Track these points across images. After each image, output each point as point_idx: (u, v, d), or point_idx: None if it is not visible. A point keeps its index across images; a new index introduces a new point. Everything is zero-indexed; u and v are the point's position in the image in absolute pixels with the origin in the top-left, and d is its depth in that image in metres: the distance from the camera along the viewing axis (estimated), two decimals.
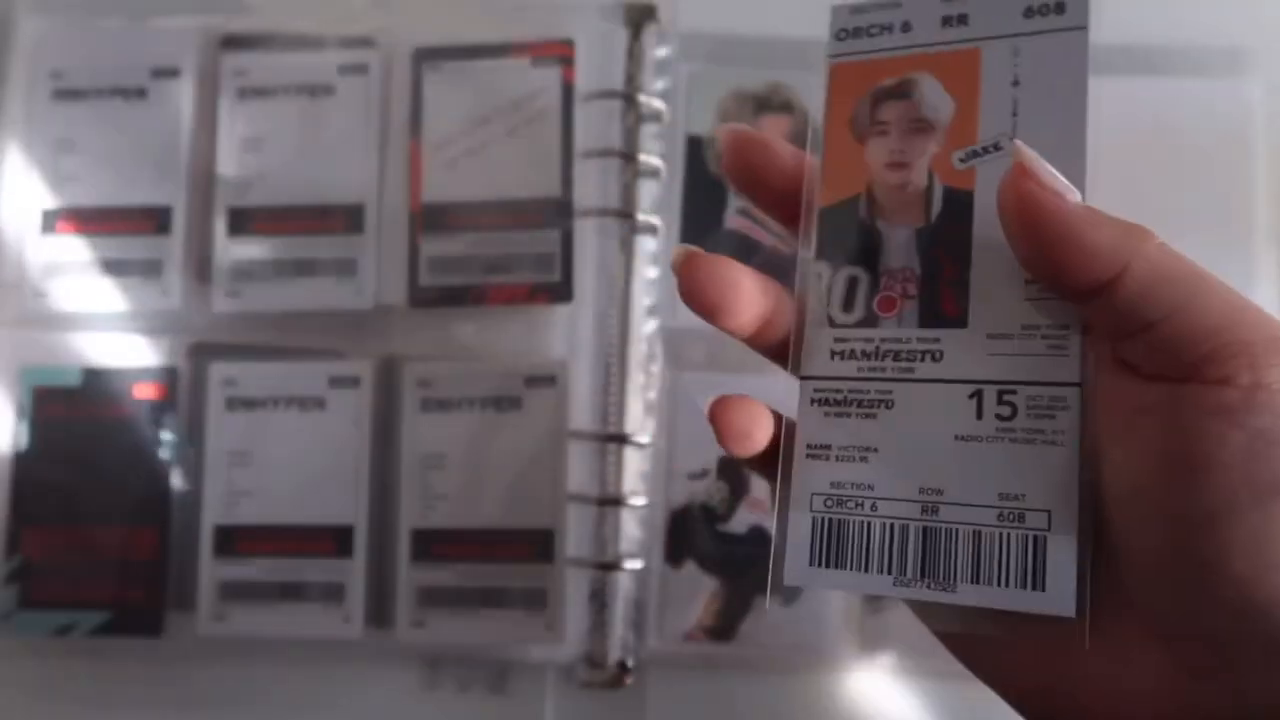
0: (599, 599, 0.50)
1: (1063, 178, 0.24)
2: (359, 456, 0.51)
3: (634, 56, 0.54)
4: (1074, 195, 0.24)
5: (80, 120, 0.54)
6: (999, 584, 0.25)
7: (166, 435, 0.52)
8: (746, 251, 0.53)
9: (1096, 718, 0.25)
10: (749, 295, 0.29)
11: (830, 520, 0.27)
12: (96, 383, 0.53)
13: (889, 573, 0.27)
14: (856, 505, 0.27)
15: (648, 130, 0.54)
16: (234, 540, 0.51)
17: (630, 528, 0.51)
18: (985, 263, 0.27)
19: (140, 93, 0.55)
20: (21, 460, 0.52)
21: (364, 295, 0.53)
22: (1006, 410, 0.26)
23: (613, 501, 0.50)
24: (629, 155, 0.53)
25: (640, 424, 0.52)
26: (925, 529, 0.26)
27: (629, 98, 0.53)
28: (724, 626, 0.50)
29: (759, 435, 0.28)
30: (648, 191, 0.53)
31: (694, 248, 0.29)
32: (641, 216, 0.52)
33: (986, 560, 0.26)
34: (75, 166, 0.54)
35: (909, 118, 0.28)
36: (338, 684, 0.51)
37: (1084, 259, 0.24)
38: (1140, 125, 0.52)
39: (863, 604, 0.50)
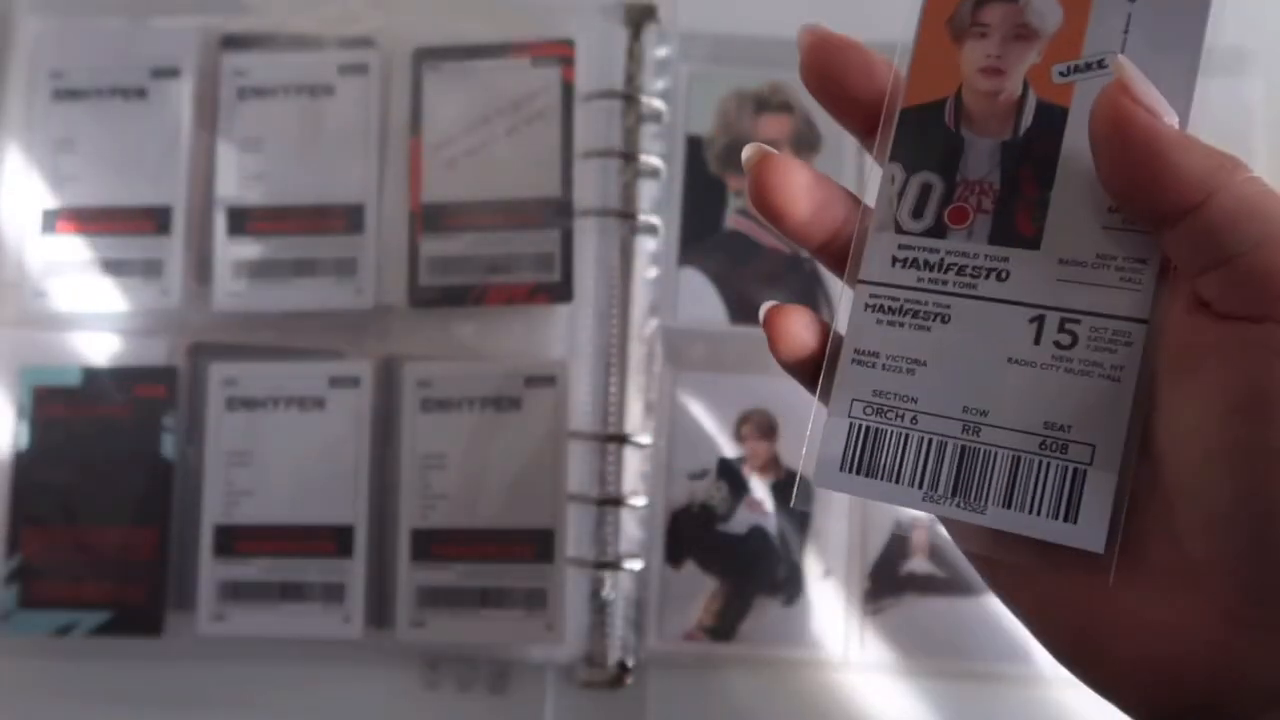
0: (599, 599, 0.50)
1: (1162, 99, 0.23)
2: (359, 456, 0.51)
3: (634, 56, 0.54)
4: (1170, 118, 0.23)
5: (80, 120, 0.54)
6: (1031, 511, 0.25)
7: (166, 435, 0.52)
8: (746, 252, 0.53)
9: (1131, 664, 0.25)
10: (819, 202, 0.28)
11: (868, 428, 0.27)
12: (96, 383, 0.53)
13: (920, 487, 0.26)
14: (897, 416, 0.27)
15: (648, 130, 0.54)
16: (234, 540, 0.51)
17: (630, 528, 0.51)
18: (1069, 185, 0.26)
19: (140, 93, 0.55)
20: (21, 460, 0.52)
21: (364, 295, 0.53)
22: (1067, 339, 0.25)
23: (613, 501, 0.50)
24: (629, 155, 0.53)
25: (640, 424, 0.52)
26: (964, 448, 0.26)
27: (629, 98, 0.53)
28: (724, 626, 0.50)
29: (808, 337, 0.28)
30: (648, 191, 0.53)
31: (769, 148, 0.28)
32: (641, 216, 0.52)
33: (1022, 486, 0.25)
34: (75, 166, 0.54)
35: (1013, 22, 0.27)
36: (338, 684, 0.51)
37: (1170, 181, 0.23)
38: None
39: (863, 604, 0.50)
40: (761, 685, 0.50)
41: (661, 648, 0.51)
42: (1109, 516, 0.24)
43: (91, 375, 0.53)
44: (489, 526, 0.50)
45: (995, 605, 0.32)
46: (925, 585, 0.50)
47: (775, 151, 0.28)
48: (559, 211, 0.52)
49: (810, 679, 0.50)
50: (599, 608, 0.50)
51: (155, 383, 0.53)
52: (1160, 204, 0.23)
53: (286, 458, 0.52)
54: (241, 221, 0.53)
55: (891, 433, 0.27)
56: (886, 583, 0.50)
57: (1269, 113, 0.52)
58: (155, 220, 0.53)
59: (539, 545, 0.50)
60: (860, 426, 0.27)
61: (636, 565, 0.50)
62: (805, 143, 0.54)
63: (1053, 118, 0.26)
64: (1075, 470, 0.25)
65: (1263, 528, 0.22)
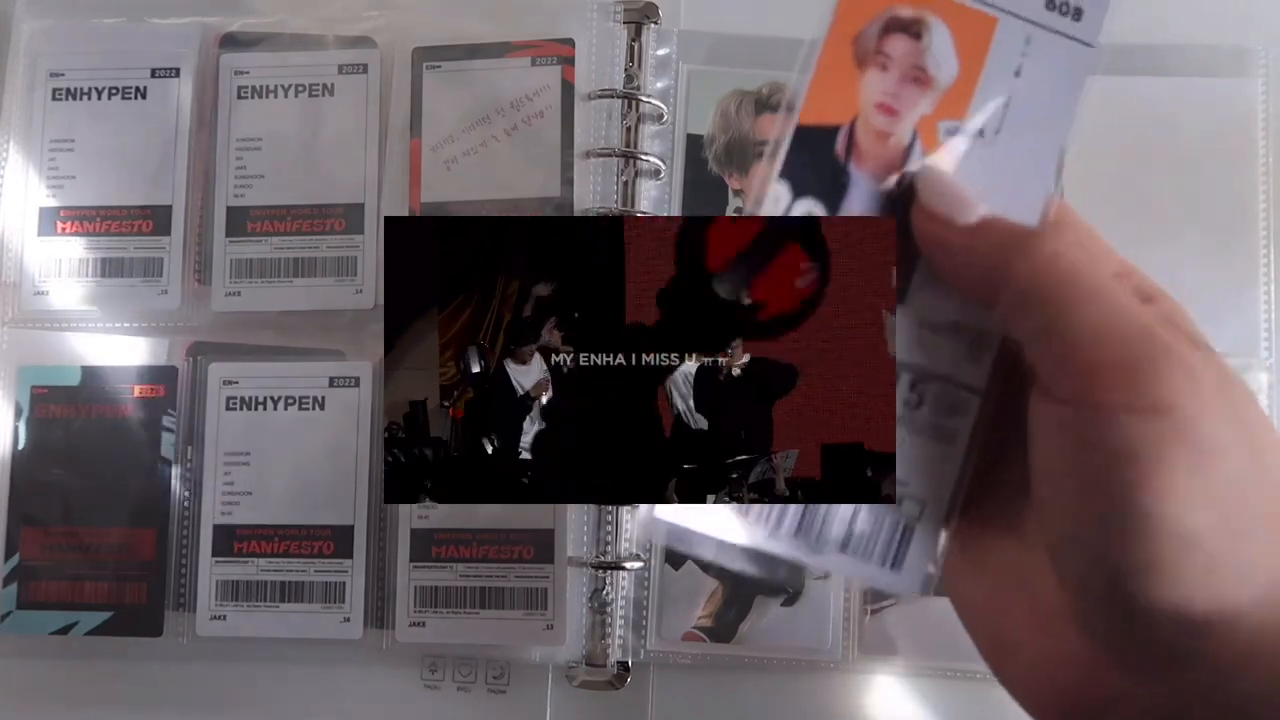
0: (599, 599, 0.50)
1: (963, 194, 0.25)
2: (359, 456, 0.51)
3: (634, 56, 0.54)
4: (969, 214, 0.24)
5: (80, 120, 0.54)
6: (862, 557, 0.27)
7: (166, 435, 0.52)
8: None
9: (1024, 679, 0.27)
10: None
11: None
12: (96, 382, 0.53)
13: (765, 524, 0.27)
14: None
15: (648, 130, 0.54)
16: (233, 540, 0.51)
17: (630, 528, 0.51)
18: None
19: (140, 93, 0.55)
20: (20, 460, 0.52)
21: (364, 295, 0.53)
22: (914, 399, 0.27)
23: None
24: (629, 155, 0.53)
25: None
26: None
27: (629, 97, 0.53)
28: (724, 627, 0.50)
29: None
30: (647, 191, 0.53)
31: None
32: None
33: (857, 533, 0.27)
34: (75, 166, 0.54)
35: (912, 62, 0.27)
36: (338, 684, 0.51)
37: (966, 286, 0.25)
38: (1142, 125, 0.52)
39: (862, 604, 0.50)
40: (761, 685, 0.50)
41: (661, 648, 0.51)
42: (928, 568, 0.26)
43: (91, 375, 0.53)
44: (489, 526, 0.50)
45: None
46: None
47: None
48: (559, 211, 0.52)
49: (810, 679, 0.50)
50: (599, 608, 0.50)
51: (155, 383, 0.53)
52: (974, 296, 0.25)
53: (286, 458, 0.52)
54: (241, 221, 0.53)
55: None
56: None
57: (1269, 113, 0.52)
58: (155, 220, 0.53)
59: (539, 545, 0.50)
60: None
61: (636, 565, 0.50)
62: None
63: None
64: (904, 524, 0.26)
65: (1098, 580, 0.24)
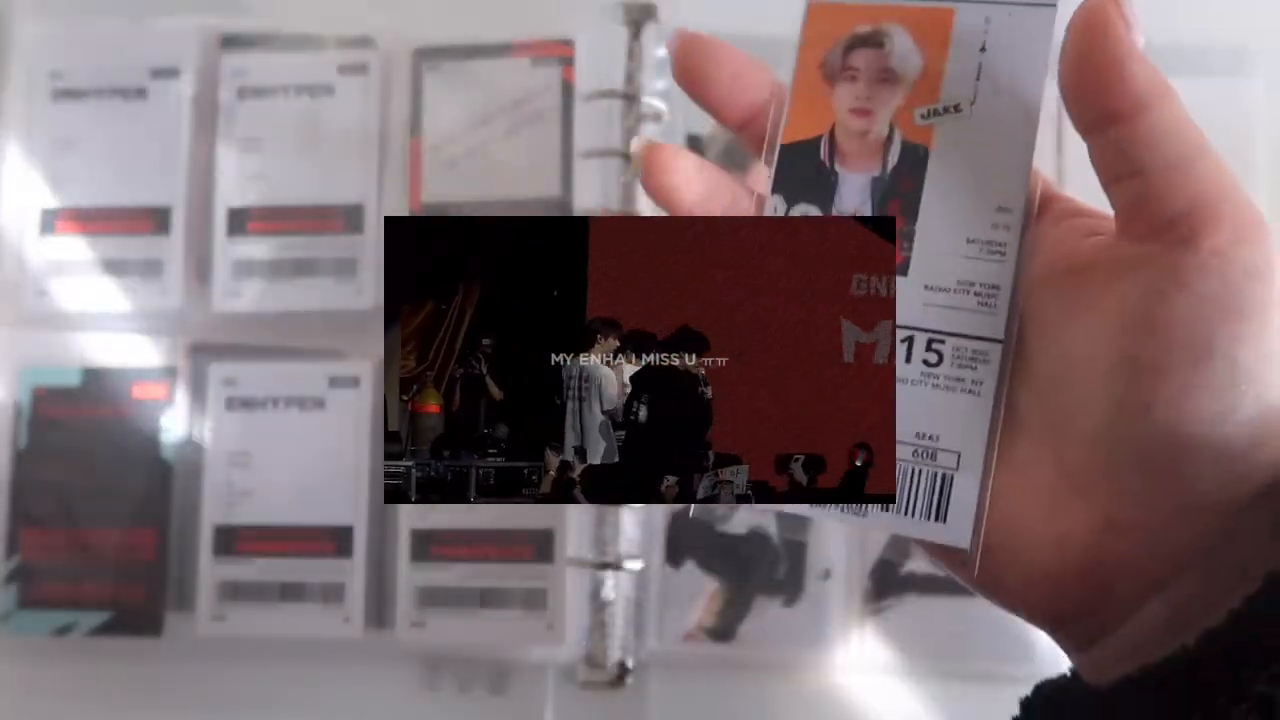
0: (599, 599, 0.50)
1: (1138, 19, 0.25)
2: (359, 456, 0.51)
3: (634, 56, 0.54)
4: (1140, 36, 0.25)
5: (80, 120, 0.54)
6: (905, 513, 0.28)
7: (166, 435, 0.52)
8: None
9: (1020, 583, 0.27)
10: (709, 185, 0.30)
11: None
12: (96, 383, 0.53)
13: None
14: None
15: (647, 130, 0.54)
16: (234, 540, 0.51)
17: (630, 528, 0.51)
18: (932, 218, 0.28)
19: (140, 93, 0.55)
20: (21, 460, 0.52)
21: (364, 295, 0.53)
22: (934, 357, 0.28)
23: None
24: (629, 155, 0.53)
25: None
26: None
27: (629, 98, 0.53)
28: (724, 627, 0.50)
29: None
30: None
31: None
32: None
33: (898, 491, 0.28)
34: (75, 166, 0.54)
35: (878, 67, 0.29)
36: (338, 684, 0.51)
37: (1120, 86, 0.25)
38: None
39: (863, 604, 0.50)
40: (761, 686, 0.50)
41: (661, 648, 0.51)
42: (974, 517, 0.27)
43: (91, 375, 0.53)
44: (489, 526, 0.50)
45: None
46: (926, 585, 0.50)
47: (661, 143, 0.30)
48: (559, 211, 0.52)
49: (810, 679, 0.50)
50: (599, 608, 0.50)
51: (155, 383, 0.53)
52: (1106, 104, 0.25)
53: (286, 458, 0.52)
54: (241, 221, 0.53)
55: None
56: (887, 583, 0.50)
57: (1269, 113, 0.52)
58: (155, 220, 0.53)
59: (539, 545, 0.50)
60: None
61: (636, 565, 0.50)
62: None
63: (916, 157, 0.29)
64: (944, 475, 0.28)
65: (1144, 437, 0.24)
